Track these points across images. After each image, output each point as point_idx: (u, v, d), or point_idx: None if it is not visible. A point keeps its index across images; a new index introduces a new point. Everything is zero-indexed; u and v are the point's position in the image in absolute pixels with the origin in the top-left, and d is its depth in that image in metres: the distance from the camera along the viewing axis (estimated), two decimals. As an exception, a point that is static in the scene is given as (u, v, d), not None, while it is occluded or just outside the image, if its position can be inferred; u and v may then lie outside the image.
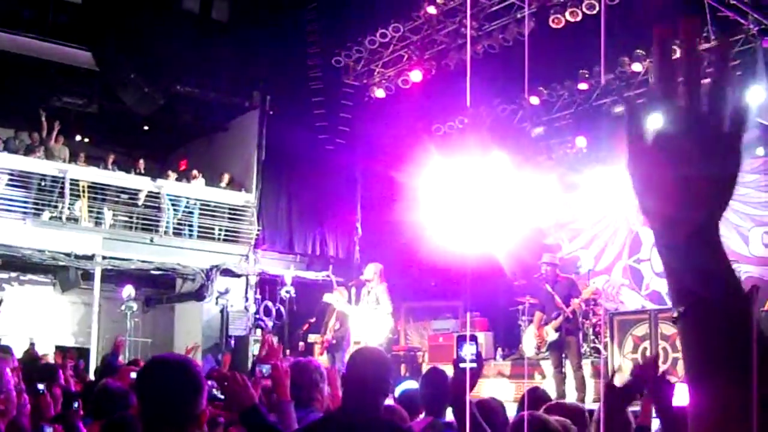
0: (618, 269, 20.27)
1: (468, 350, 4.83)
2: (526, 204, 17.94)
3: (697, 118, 1.38)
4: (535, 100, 19.78)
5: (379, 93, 20.79)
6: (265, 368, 5.29)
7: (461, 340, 5.05)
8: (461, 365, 4.79)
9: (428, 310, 20.88)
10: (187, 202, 23.04)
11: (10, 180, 20.73)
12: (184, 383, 3.59)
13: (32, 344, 19.34)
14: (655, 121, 1.39)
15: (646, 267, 19.48)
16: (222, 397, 4.89)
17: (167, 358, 3.90)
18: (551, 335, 14.58)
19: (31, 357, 16.26)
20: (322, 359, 14.95)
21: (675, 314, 1.43)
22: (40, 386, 6.75)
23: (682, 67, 1.39)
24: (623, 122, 1.44)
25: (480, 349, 4.79)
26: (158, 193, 22.45)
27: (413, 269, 20.48)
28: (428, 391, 6.78)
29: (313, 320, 18.60)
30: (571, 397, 13.57)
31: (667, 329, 14.37)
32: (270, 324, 21.54)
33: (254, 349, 19.77)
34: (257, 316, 21.64)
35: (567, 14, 16.89)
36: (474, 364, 4.83)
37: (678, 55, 1.40)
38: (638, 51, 17.51)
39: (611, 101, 19.05)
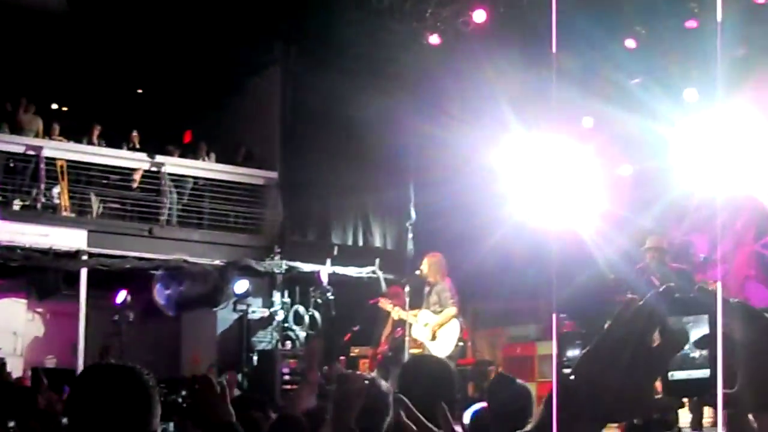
0: (741, 257, 17.97)
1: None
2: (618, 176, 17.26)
3: None
4: (631, 44, 17.95)
5: (433, 39, 19.04)
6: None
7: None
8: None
9: (501, 314, 19.40)
10: (195, 184, 22.04)
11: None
12: (126, 396, 3.50)
13: (3, 364, 18.27)
14: None
15: (779, 253, 18.29)
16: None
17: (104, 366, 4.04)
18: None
19: (2, 381, 16.29)
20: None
21: None
22: (11, 424, 7.55)
23: None
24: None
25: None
26: (158, 172, 21.43)
27: (481, 261, 18.26)
28: (496, 405, 6.31)
29: (356, 328, 17.89)
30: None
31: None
32: (303, 335, 20.34)
33: (283, 366, 19.16)
34: (286, 324, 20.37)
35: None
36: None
37: None
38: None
39: (730, 42, 16.04)
